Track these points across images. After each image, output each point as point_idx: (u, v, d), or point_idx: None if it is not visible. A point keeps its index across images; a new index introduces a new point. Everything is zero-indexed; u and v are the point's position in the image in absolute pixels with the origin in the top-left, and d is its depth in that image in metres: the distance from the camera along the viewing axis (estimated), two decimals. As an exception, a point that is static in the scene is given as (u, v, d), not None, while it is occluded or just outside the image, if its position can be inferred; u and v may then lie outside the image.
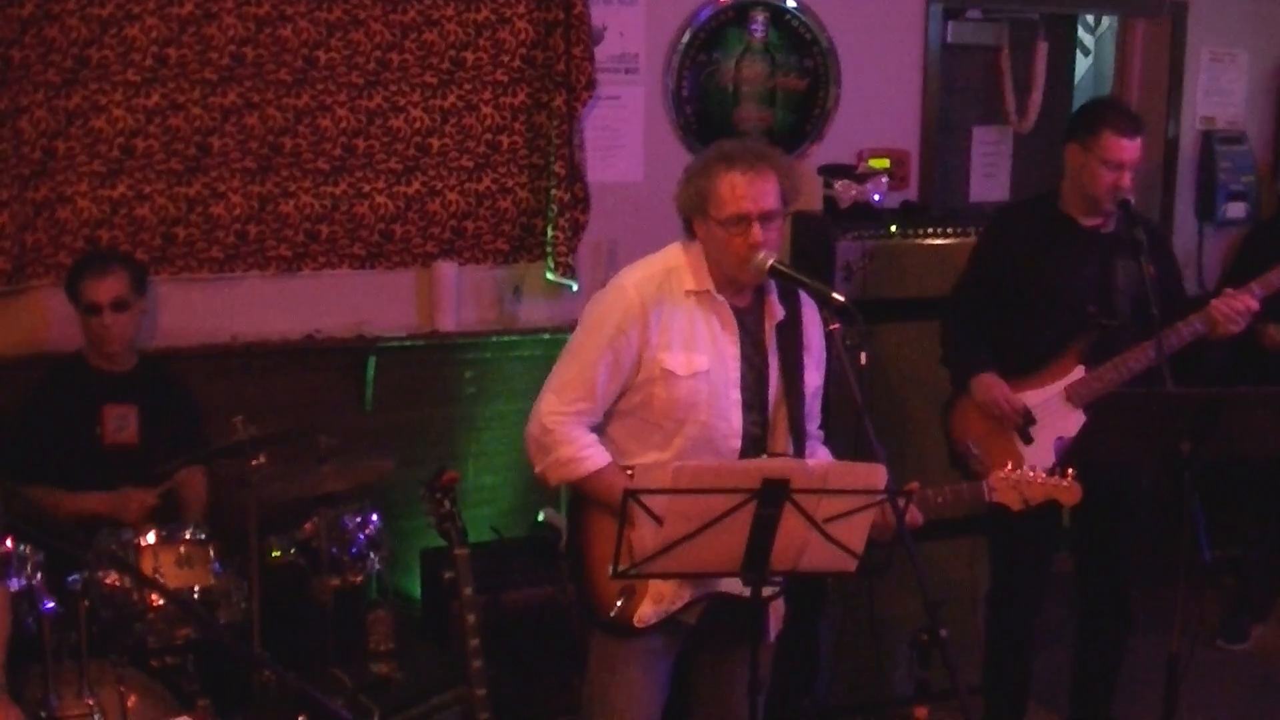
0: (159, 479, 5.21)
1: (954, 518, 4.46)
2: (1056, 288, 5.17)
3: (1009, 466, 4.36)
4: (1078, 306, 5.15)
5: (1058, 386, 5.15)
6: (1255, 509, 6.96)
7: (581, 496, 4.20)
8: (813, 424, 4.32)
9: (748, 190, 3.96)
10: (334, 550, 5.29)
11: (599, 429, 4.18)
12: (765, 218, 3.97)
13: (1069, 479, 4.30)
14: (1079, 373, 5.13)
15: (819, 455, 4.29)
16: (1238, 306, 4.95)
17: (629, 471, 4.07)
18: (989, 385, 5.19)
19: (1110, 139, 5.04)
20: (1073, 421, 5.09)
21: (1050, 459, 4.89)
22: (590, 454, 4.09)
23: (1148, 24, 7.52)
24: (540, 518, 6.16)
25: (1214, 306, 4.98)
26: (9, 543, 4.45)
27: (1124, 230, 5.09)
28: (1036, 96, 7.32)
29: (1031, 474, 4.32)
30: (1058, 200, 5.28)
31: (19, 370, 5.47)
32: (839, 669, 5.98)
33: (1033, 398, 5.16)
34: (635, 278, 4.14)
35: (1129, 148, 5.05)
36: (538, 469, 4.20)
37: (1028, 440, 5.17)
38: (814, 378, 4.26)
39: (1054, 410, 5.14)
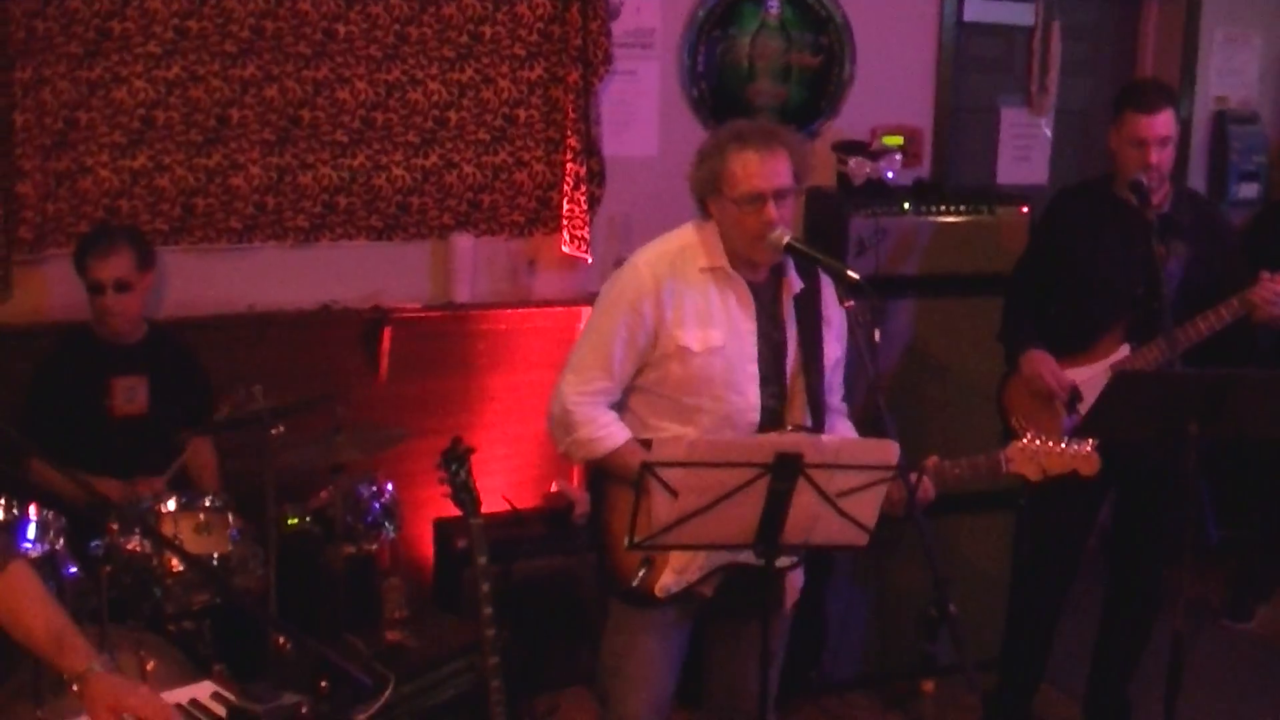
0: (168, 457, 5.26)
1: (980, 492, 4.44)
2: (1104, 267, 5.21)
3: (1027, 437, 4.36)
4: (1125, 287, 5.17)
5: (1104, 364, 5.18)
6: (1261, 489, 7.00)
7: (602, 469, 4.24)
8: (835, 396, 4.36)
9: (760, 168, 4.00)
10: (349, 518, 5.37)
11: (620, 404, 4.22)
12: (778, 195, 4.01)
13: (1089, 448, 4.28)
14: (1125, 351, 5.17)
15: (839, 429, 4.32)
16: (1279, 289, 4.95)
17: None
18: (1036, 361, 5.25)
19: (1132, 117, 5.09)
20: None
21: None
22: (610, 432, 4.13)
23: (1161, 5, 7.53)
24: (553, 488, 6.21)
25: (1254, 290, 4.96)
26: (33, 509, 4.53)
27: (1172, 210, 5.11)
28: (1054, 76, 7.33)
29: (1051, 444, 4.31)
30: (1111, 183, 5.31)
31: (39, 338, 5.51)
32: (846, 642, 6.01)
33: (1080, 374, 5.21)
34: (648, 256, 4.18)
35: (1152, 123, 5.06)
36: (560, 448, 4.24)
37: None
38: (834, 350, 4.29)
39: (1100, 387, 5.15)
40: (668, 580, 4.11)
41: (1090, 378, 5.19)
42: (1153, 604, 5.49)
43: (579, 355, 4.21)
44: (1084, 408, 5.16)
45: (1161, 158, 5.09)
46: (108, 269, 5.25)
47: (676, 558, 4.09)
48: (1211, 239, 5.22)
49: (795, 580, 4.39)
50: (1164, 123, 5.09)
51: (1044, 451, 4.26)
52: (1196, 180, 7.56)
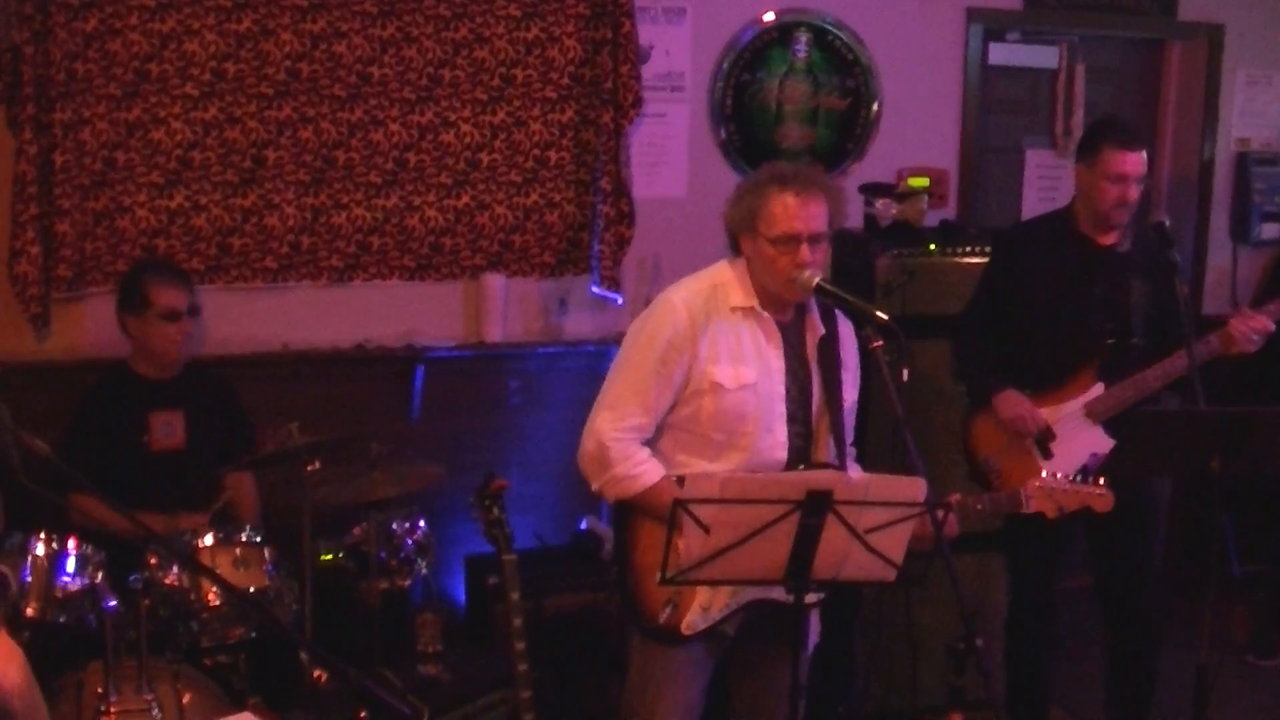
0: (208, 493, 5.33)
1: (970, 534, 4.51)
2: (1072, 306, 5.23)
3: (1043, 476, 4.44)
4: (1094, 324, 5.20)
5: (1077, 403, 5.21)
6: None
7: (628, 506, 4.25)
8: (845, 442, 4.39)
9: (799, 211, 4.06)
10: (383, 554, 5.39)
11: (648, 441, 4.23)
12: (813, 239, 4.07)
13: (1102, 487, 4.38)
14: (1098, 389, 5.18)
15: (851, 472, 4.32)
16: (1256, 326, 5.00)
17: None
18: (1014, 402, 5.24)
19: (1110, 153, 5.11)
20: (1091, 437, 5.16)
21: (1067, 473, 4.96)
22: (645, 469, 4.15)
23: (1184, 47, 7.59)
24: (583, 525, 6.26)
25: (1232, 326, 5.02)
26: (72, 543, 4.59)
27: (1157, 252, 5.16)
28: (1078, 117, 7.39)
29: (1067, 482, 4.40)
30: (1073, 219, 5.34)
31: (77, 374, 5.58)
32: (874, 677, 6.04)
33: (1052, 414, 5.22)
34: (683, 294, 4.21)
35: (1130, 160, 5.11)
36: (595, 486, 4.25)
37: (1047, 455, 5.22)
38: (850, 393, 4.34)
39: (1073, 426, 5.20)
40: (694, 617, 4.15)
41: (1063, 417, 5.22)
42: (1152, 636, 5.45)
43: (613, 392, 4.22)
44: (1055, 446, 5.21)
45: (1135, 195, 5.15)
46: (180, 296, 5.35)
47: (702, 595, 4.13)
48: (1159, 273, 5.22)
49: (813, 623, 4.40)
50: (1142, 160, 5.15)
51: (1061, 489, 4.36)
52: (1219, 221, 7.60)
